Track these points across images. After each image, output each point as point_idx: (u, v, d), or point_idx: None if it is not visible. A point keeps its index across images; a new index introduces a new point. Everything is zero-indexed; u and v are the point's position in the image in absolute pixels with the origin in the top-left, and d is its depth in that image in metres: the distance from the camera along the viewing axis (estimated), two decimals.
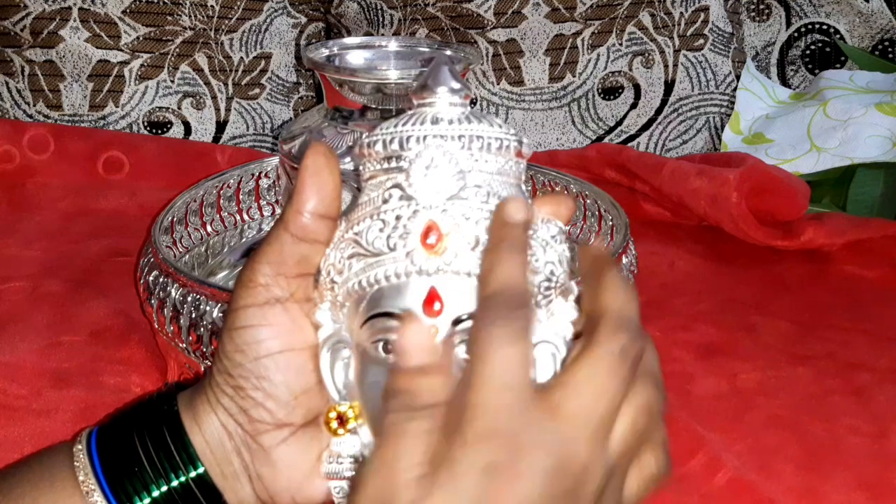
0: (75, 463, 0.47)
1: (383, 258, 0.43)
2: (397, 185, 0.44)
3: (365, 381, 0.45)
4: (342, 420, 0.46)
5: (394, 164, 0.45)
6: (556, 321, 0.45)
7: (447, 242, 0.43)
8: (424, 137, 0.44)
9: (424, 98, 0.46)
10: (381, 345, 0.44)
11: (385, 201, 0.44)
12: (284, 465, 0.47)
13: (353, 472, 0.46)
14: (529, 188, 0.87)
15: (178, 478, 0.47)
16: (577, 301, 0.45)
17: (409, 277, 0.43)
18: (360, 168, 0.46)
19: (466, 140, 0.44)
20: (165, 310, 0.66)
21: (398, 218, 0.44)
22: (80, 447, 0.48)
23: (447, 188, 0.44)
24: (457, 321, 0.43)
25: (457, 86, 0.45)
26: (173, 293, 0.66)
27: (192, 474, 0.47)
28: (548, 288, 0.44)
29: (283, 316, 0.46)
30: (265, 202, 0.86)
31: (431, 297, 0.43)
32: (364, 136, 0.46)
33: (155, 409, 0.48)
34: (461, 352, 0.42)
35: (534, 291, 0.43)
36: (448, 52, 0.76)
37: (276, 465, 0.47)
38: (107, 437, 0.48)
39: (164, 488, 0.46)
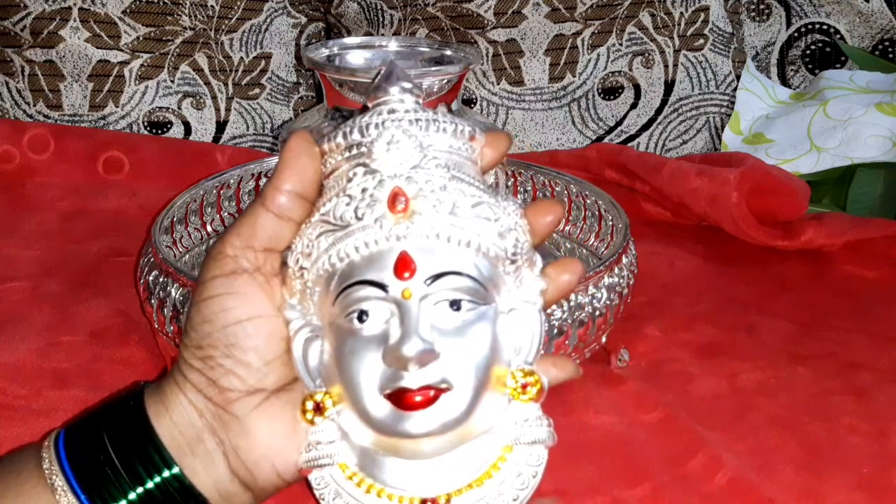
0: (44, 465, 0.46)
1: (352, 228, 0.45)
2: (361, 164, 0.46)
3: (342, 354, 0.45)
4: (319, 408, 0.46)
5: (355, 151, 0.46)
6: (525, 290, 0.47)
7: (414, 206, 0.44)
8: (383, 122, 0.46)
9: (379, 98, 0.47)
10: (354, 315, 0.44)
11: (350, 180, 0.46)
12: (260, 432, 0.46)
13: (332, 460, 0.46)
14: (529, 188, 0.87)
15: (151, 479, 0.46)
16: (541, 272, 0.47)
17: (379, 244, 0.44)
18: (322, 167, 0.47)
19: (423, 123, 0.46)
20: (165, 310, 0.66)
21: (364, 190, 0.45)
22: (47, 444, 0.47)
23: (409, 159, 0.45)
24: (426, 281, 0.44)
25: (408, 85, 0.47)
26: (173, 293, 0.66)
27: (166, 474, 0.46)
28: (514, 254, 0.46)
29: (250, 285, 0.46)
30: None
31: (403, 260, 0.44)
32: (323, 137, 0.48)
33: (120, 405, 0.48)
34: (434, 311, 0.44)
35: (501, 257, 0.45)
36: (448, 52, 0.76)
37: (252, 434, 0.46)
38: (74, 437, 0.47)
39: (140, 490, 0.46)
